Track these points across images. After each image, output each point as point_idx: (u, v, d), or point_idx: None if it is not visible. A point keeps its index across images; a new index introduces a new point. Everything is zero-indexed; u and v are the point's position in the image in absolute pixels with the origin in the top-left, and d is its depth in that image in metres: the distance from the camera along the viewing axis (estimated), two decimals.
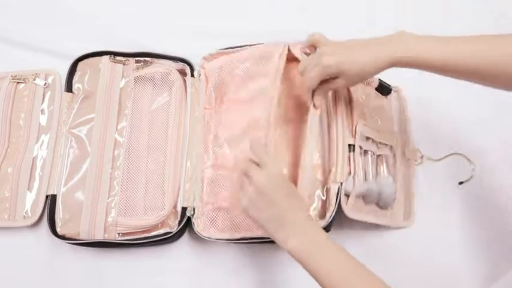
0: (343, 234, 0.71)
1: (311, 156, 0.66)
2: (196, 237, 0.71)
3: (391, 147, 0.75)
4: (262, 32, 0.84)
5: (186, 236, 0.72)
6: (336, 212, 0.64)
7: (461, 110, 0.80)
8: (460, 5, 0.90)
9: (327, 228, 0.64)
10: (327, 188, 0.67)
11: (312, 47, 0.68)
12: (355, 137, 0.68)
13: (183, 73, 0.77)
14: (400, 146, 0.76)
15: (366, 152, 0.71)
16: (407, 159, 0.76)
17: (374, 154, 0.72)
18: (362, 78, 0.60)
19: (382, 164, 0.73)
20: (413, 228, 0.73)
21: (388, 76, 0.79)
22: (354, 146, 0.68)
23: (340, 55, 0.58)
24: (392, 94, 0.80)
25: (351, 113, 0.70)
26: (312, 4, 0.90)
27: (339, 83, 0.60)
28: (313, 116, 0.66)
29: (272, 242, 0.67)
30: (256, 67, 0.73)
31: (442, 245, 0.72)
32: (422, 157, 0.74)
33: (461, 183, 0.74)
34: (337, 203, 0.64)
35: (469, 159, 0.72)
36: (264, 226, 0.57)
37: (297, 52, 0.70)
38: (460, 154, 0.73)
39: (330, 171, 0.67)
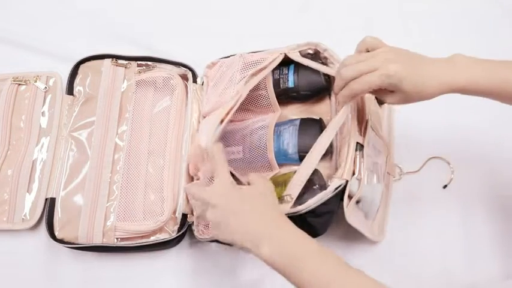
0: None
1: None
2: (195, 242, 0.71)
3: (386, 156, 0.70)
4: (263, 33, 0.85)
5: (185, 241, 0.72)
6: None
7: (440, 115, 0.77)
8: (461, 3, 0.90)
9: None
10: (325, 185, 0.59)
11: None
12: (364, 136, 0.61)
13: (184, 78, 0.77)
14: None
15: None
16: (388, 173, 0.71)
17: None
18: (417, 98, 0.52)
19: (376, 172, 0.64)
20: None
21: None
22: (361, 145, 0.60)
23: (406, 66, 0.50)
24: (385, 105, 0.75)
25: (363, 109, 0.63)
26: (312, 5, 0.90)
27: (390, 99, 0.53)
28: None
29: None
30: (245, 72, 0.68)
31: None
32: (401, 174, 0.72)
33: (445, 186, 0.72)
34: (338, 204, 0.58)
35: (447, 162, 0.71)
36: (232, 242, 0.51)
37: (295, 56, 0.69)
38: (438, 158, 0.71)
39: (336, 168, 0.62)
